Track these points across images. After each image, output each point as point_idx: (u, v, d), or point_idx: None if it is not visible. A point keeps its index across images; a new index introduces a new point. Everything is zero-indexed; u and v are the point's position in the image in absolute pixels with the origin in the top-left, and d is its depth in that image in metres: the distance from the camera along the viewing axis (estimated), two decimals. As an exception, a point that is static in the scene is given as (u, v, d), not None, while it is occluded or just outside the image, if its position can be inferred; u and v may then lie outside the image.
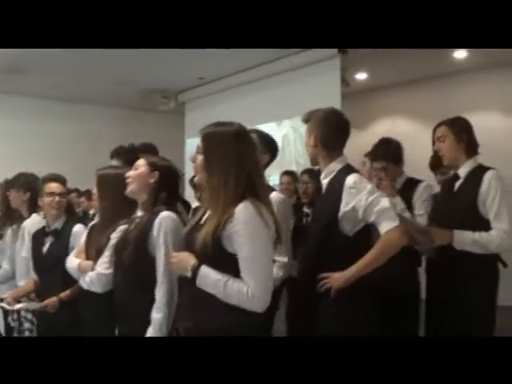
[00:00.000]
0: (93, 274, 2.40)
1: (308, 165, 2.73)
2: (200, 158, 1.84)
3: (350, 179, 2.23)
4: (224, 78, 7.09)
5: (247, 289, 1.70)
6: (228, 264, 1.74)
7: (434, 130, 2.74)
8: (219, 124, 1.83)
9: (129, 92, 7.63)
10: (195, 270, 1.77)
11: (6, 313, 3.14)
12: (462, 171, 2.65)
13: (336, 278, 2.18)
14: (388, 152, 3.05)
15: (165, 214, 2.13)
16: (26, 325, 3.04)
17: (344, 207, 2.21)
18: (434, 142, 2.74)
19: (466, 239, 2.50)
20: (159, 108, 7.79)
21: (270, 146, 2.68)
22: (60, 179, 3.10)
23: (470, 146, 2.66)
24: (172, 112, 8.04)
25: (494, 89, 6.38)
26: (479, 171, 2.60)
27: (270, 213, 1.77)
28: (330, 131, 2.35)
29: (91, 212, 4.13)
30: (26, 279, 3.20)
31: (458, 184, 2.65)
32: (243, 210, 1.71)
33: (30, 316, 3.05)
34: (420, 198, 2.94)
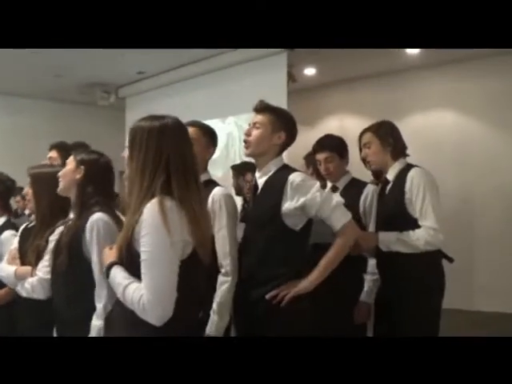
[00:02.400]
0: (33, 279, 2.35)
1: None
2: (126, 152, 1.81)
3: (297, 177, 2.25)
4: (165, 73, 6.98)
5: (140, 297, 1.59)
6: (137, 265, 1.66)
7: (360, 138, 2.80)
8: (149, 118, 1.78)
9: (67, 85, 7.47)
10: (107, 271, 1.73)
11: None
12: (391, 174, 2.73)
13: (294, 284, 2.19)
14: (332, 143, 3.13)
15: (96, 217, 2.11)
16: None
17: (289, 204, 2.22)
18: (360, 150, 2.81)
19: (390, 239, 2.56)
20: (99, 103, 7.61)
21: (213, 138, 2.62)
22: None
23: (396, 149, 2.72)
24: (112, 107, 7.89)
25: (445, 86, 6.47)
26: (405, 171, 2.66)
27: (186, 211, 1.67)
28: (293, 135, 2.42)
29: (26, 212, 3.96)
30: None
31: (388, 188, 2.73)
32: (148, 208, 1.63)
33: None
34: (366, 200, 3.00)
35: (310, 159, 3.58)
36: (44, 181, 2.50)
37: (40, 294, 2.32)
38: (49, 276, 2.29)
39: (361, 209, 3.00)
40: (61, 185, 2.27)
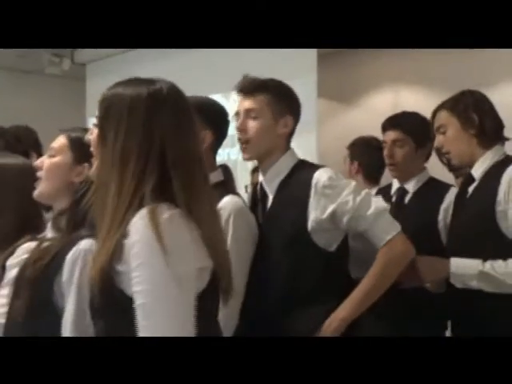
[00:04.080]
0: None
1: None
2: (95, 133, 1.66)
3: (322, 175, 2.16)
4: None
5: None
6: (127, 316, 1.41)
7: (432, 118, 2.61)
8: (132, 82, 1.59)
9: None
10: None
11: None
12: (478, 169, 2.48)
13: (328, 326, 2.09)
14: (410, 122, 3.00)
15: (84, 245, 1.88)
16: None
17: (316, 215, 2.14)
18: (434, 136, 2.61)
19: (469, 271, 2.31)
20: (46, 70, 7.01)
21: (211, 118, 2.38)
22: None
23: (485, 131, 2.46)
24: (66, 76, 7.34)
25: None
26: (501, 166, 2.39)
27: (197, 224, 1.50)
28: (299, 109, 2.36)
29: None
30: None
31: (471, 189, 2.50)
32: (135, 226, 1.41)
33: None
34: (448, 211, 2.76)
35: (356, 150, 3.54)
36: (7, 180, 2.31)
37: None
38: (2, 320, 2.05)
39: (440, 223, 2.77)
40: (43, 186, 2.07)
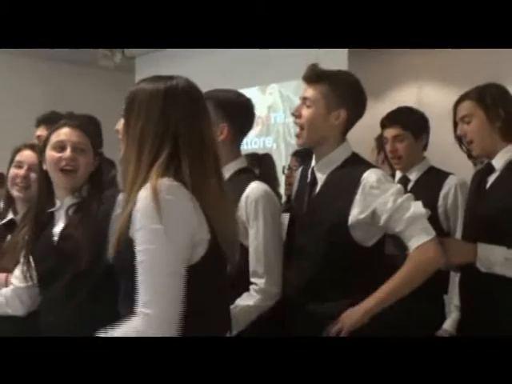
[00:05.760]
0: (7, 290, 2.28)
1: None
2: (121, 123, 1.83)
3: (372, 176, 2.15)
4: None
5: (133, 317, 1.52)
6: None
7: (455, 108, 2.54)
8: (153, 78, 1.74)
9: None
10: None
11: None
12: (499, 161, 2.44)
13: (349, 316, 2.07)
14: (406, 118, 3.04)
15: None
16: None
17: (360, 212, 2.13)
18: (455, 124, 2.55)
19: (495, 257, 2.29)
20: (100, 63, 7.17)
21: (229, 113, 2.39)
22: None
23: (509, 125, 2.43)
24: (117, 69, 7.43)
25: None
26: None
27: (200, 202, 1.62)
28: (359, 109, 2.31)
29: None
30: None
31: (491, 178, 2.46)
32: (140, 195, 1.56)
33: None
34: (447, 196, 2.90)
35: (382, 142, 3.44)
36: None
37: (17, 309, 2.25)
38: (30, 283, 2.22)
39: (440, 209, 2.87)
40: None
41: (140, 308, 1.50)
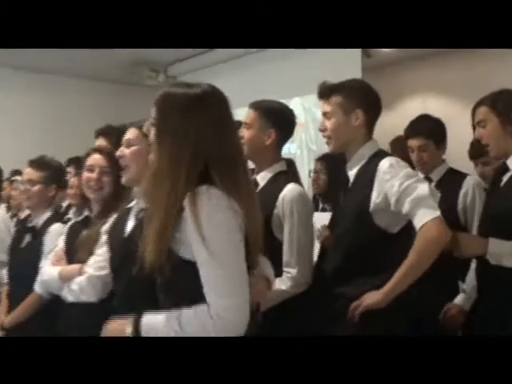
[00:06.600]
0: (82, 278, 2.30)
1: (321, 152, 2.78)
2: (152, 131, 1.65)
3: (386, 162, 2.18)
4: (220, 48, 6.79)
5: (208, 310, 1.47)
6: (187, 278, 1.54)
7: (473, 113, 2.54)
8: (181, 85, 1.66)
9: (111, 64, 7.43)
10: (137, 324, 1.57)
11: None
12: None
13: (370, 296, 2.11)
14: (429, 127, 3.08)
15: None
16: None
17: (376, 197, 2.15)
18: (474, 128, 2.54)
19: (505, 251, 2.25)
20: (146, 82, 7.55)
21: (274, 119, 2.49)
22: (37, 163, 3.03)
23: None
24: (161, 87, 7.51)
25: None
26: None
27: (237, 203, 1.56)
28: (374, 108, 2.33)
29: (64, 204, 3.87)
30: None
31: (506, 178, 2.44)
32: (195, 200, 1.49)
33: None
34: (467, 195, 2.93)
35: (396, 145, 3.57)
36: (114, 160, 2.29)
37: (91, 295, 2.27)
38: (103, 272, 2.23)
39: (459, 206, 2.93)
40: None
41: (215, 300, 1.48)
